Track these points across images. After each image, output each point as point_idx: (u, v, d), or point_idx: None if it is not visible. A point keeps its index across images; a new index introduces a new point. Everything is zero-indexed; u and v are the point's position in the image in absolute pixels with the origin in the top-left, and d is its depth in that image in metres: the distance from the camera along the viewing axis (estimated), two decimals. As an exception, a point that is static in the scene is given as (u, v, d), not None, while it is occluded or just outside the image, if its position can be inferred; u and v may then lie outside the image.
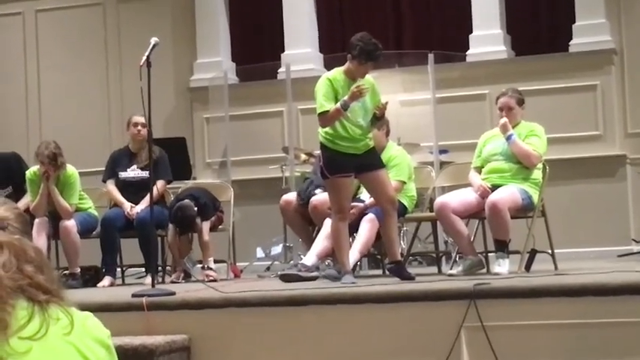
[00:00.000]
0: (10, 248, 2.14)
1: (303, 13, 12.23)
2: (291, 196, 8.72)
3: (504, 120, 7.53)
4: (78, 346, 2.13)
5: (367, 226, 7.70)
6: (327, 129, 7.06)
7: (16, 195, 8.92)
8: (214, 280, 8.17)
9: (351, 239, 7.70)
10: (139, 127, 8.97)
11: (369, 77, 7.24)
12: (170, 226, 8.61)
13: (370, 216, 7.69)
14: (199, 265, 8.73)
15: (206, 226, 8.64)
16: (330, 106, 6.96)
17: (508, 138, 7.46)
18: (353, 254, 7.57)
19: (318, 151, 7.75)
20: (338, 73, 7.16)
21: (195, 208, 8.53)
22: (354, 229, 7.82)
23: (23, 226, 2.23)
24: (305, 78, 10.86)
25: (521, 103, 7.69)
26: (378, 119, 7.24)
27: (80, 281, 8.57)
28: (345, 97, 6.92)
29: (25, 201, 8.83)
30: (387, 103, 7.19)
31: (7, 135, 12.51)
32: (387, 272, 7.60)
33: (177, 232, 8.61)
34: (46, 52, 13.08)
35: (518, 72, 11.13)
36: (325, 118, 7.00)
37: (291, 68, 10.96)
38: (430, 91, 10.65)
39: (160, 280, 8.49)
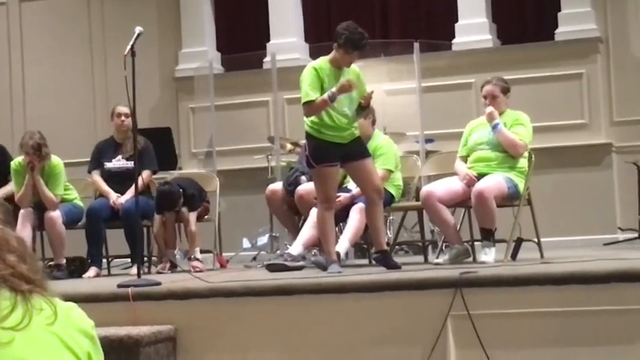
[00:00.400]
0: (-8, 238, 2.12)
1: (289, 2, 12.21)
2: (277, 186, 8.71)
3: (490, 109, 7.52)
4: (61, 336, 2.12)
5: (357, 216, 7.69)
6: (312, 118, 7.04)
7: (0, 185, 8.89)
8: (200, 271, 8.16)
9: (337, 229, 7.69)
10: (123, 118, 8.94)
11: (355, 66, 7.22)
12: (156, 216, 8.58)
13: (360, 205, 7.68)
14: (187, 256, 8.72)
15: (193, 216, 8.62)
16: (316, 96, 6.94)
17: (494, 127, 7.46)
18: (342, 243, 7.57)
19: (303, 141, 7.74)
20: (324, 62, 7.14)
21: (182, 199, 8.52)
22: (340, 218, 7.81)
23: (5, 216, 2.22)
24: (290, 67, 10.85)
25: (505, 91, 7.68)
26: (364, 109, 7.22)
27: (66, 272, 8.54)
28: (334, 89, 6.89)
29: (5, 190, 8.80)
30: (372, 92, 7.17)
31: (-8, 126, 12.48)
32: (373, 262, 7.60)
33: (163, 217, 8.57)
34: (30, 43, 13.03)
35: (504, 61, 11.14)
36: (310, 107, 6.98)
37: (277, 57, 10.94)
38: (416, 80, 10.64)
39: (146, 270, 8.46)
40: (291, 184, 8.36)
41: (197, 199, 8.74)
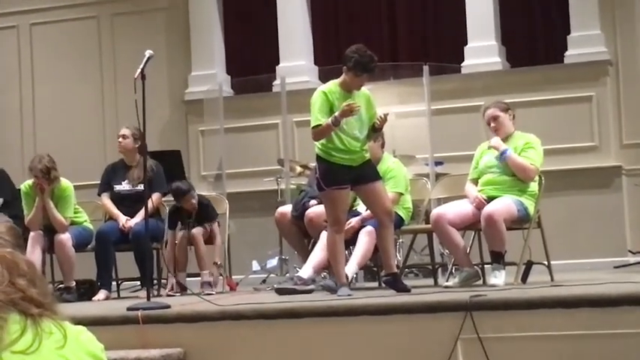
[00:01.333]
0: (2, 261, 2.12)
1: (298, 25, 12.24)
2: (287, 209, 8.70)
3: (495, 139, 7.50)
4: (71, 359, 2.12)
5: (365, 239, 7.68)
6: (323, 141, 7.04)
7: (8, 210, 8.90)
8: (211, 289, 8.20)
9: (347, 252, 7.68)
10: (120, 139, 8.98)
11: (365, 89, 7.23)
12: (167, 236, 8.59)
13: (368, 228, 7.67)
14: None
15: (215, 227, 8.80)
16: (324, 120, 6.95)
17: (502, 154, 7.44)
18: (351, 266, 7.55)
19: (313, 164, 7.73)
20: (333, 85, 7.15)
21: (194, 193, 8.80)
22: (350, 242, 7.80)
23: (15, 239, 2.21)
24: (300, 90, 10.86)
25: (505, 110, 7.67)
26: (376, 131, 7.23)
27: (75, 295, 8.54)
28: (336, 113, 6.90)
29: None
30: (387, 114, 7.18)
31: (1, 149, 12.50)
32: (383, 284, 7.59)
33: (175, 236, 8.59)
34: (40, 66, 13.08)
35: (513, 83, 11.15)
36: (317, 132, 6.99)
37: (286, 80, 10.95)
38: (425, 103, 10.64)
39: (156, 293, 8.46)
40: (298, 210, 8.34)
41: (213, 212, 8.80)
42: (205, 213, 8.81)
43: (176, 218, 8.76)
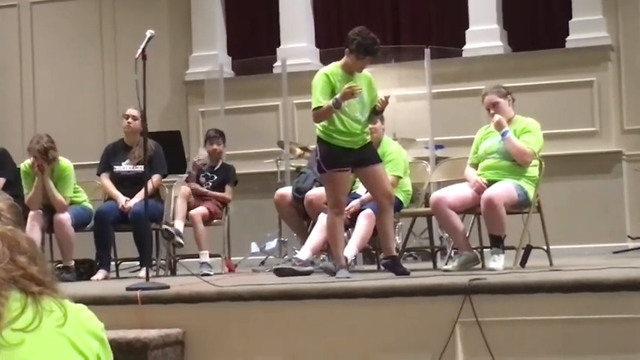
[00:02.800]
0: (3, 239, 2.12)
1: (300, 7, 12.22)
2: (286, 190, 8.70)
3: (498, 117, 7.49)
4: (71, 338, 2.12)
5: (365, 222, 7.68)
6: (324, 123, 7.03)
7: (9, 190, 8.89)
8: (210, 270, 8.30)
9: (346, 234, 7.69)
10: (130, 120, 8.96)
11: (366, 72, 7.22)
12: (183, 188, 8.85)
13: (368, 211, 7.68)
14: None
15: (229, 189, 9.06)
16: (325, 102, 6.94)
17: (503, 135, 7.43)
18: (350, 249, 7.56)
19: (313, 146, 7.73)
20: (335, 67, 7.13)
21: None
22: (349, 224, 7.81)
23: (16, 217, 2.21)
24: (301, 72, 10.85)
25: (504, 95, 7.64)
26: (377, 113, 7.23)
27: (74, 274, 8.55)
28: (337, 95, 6.89)
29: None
30: (388, 97, 7.18)
31: (2, 128, 12.49)
32: (382, 267, 7.60)
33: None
34: (41, 45, 13.06)
35: (515, 68, 11.14)
36: (318, 114, 6.98)
37: (287, 62, 10.93)
38: (426, 87, 10.63)
39: (154, 273, 8.46)
40: (303, 192, 8.33)
41: (234, 173, 9.26)
42: (225, 174, 9.09)
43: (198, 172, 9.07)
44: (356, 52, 7.02)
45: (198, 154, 9.20)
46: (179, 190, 9.02)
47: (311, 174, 8.47)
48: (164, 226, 8.57)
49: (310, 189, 8.29)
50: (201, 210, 8.75)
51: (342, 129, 7.00)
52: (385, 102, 7.09)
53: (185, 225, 8.73)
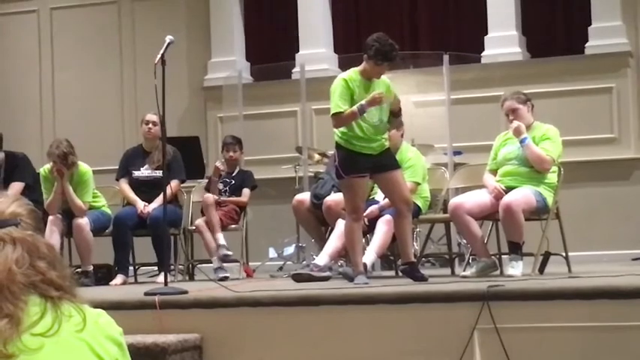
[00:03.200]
0: (23, 244, 2.13)
1: (319, 12, 12.22)
2: (304, 196, 8.70)
3: (516, 123, 7.47)
4: (90, 343, 2.13)
5: (384, 228, 7.68)
6: (342, 129, 7.04)
7: (29, 195, 8.92)
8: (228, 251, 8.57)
9: (364, 240, 7.69)
10: (151, 126, 8.98)
11: (385, 78, 7.22)
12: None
13: (387, 217, 7.67)
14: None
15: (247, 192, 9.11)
16: (345, 108, 6.95)
17: (522, 141, 7.41)
18: (369, 255, 7.56)
19: (331, 152, 7.73)
20: (354, 73, 7.14)
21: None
22: (368, 230, 7.80)
23: (36, 222, 2.22)
24: (319, 78, 10.85)
25: (524, 102, 7.62)
26: (396, 116, 7.22)
27: (93, 279, 8.58)
28: (363, 102, 6.90)
29: (17, 188, 8.80)
30: (399, 101, 7.21)
31: (21, 133, 12.52)
32: (400, 273, 7.59)
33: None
34: (60, 50, 13.11)
35: (533, 74, 11.11)
36: (339, 119, 6.99)
37: (306, 68, 10.94)
38: (445, 93, 10.61)
39: (173, 279, 8.48)
40: (321, 198, 8.33)
41: (250, 176, 9.34)
42: (242, 179, 9.17)
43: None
44: (374, 59, 7.02)
45: (219, 159, 9.23)
46: (200, 197, 9.08)
47: (329, 180, 8.47)
48: (223, 252, 8.65)
49: (328, 195, 8.28)
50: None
51: (361, 135, 7.01)
52: (397, 103, 7.10)
53: (194, 231, 8.88)
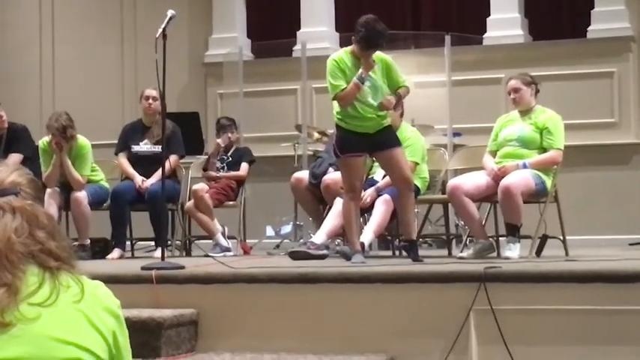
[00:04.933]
0: (23, 213, 2.12)
1: (321, -9, 12.19)
2: (303, 174, 8.70)
3: (506, 167, 7.32)
4: (87, 314, 2.12)
5: (382, 207, 7.68)
6: (338, 109, 7.04)
7: (28, 167, 8.90)
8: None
9: (361, 219, 7.69)
10: (151, 101, 8.96)
11: (383, 55, 7.16)
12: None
13: (385, 197, 7.68)
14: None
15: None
16: (342, 85, 6.93)
17: (524, 166, 7.35)
18: (367, 234, 7.56)
19: (331, 130, 7.71)
20: (344, 52, 7.13)
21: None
22: (365, 209, 7.80)
23: (35, 192, 2.21)
24: (320, 56, 10.77)
25: (529, 84, 7.61)
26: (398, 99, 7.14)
27: (89, 253, 8.58)
28: (360, 71, 6.89)
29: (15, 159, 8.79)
30: (408, 90, 7.19)
31: (20, 106, 12.48)
32: (397, 253, 7.60)
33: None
34: (61, 23, 13.07)
35: (535, 57, 11.10)
36: (342, 96, 6.95)
37: (307, 46, 10.92)
38: (446, 74, 10.60)
39: (169, 254, 8.49)
40: (318, 178, 8.34)
41: (246, 152, 9.43)
42: (239, 155, 9.26)
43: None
44: (359, 44, 7.00)
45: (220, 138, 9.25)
46: (198, 173, 9.11)
47: (327, 158, 8.48)
48: (220, 241, 8.78)
49: (325, 174, 8.29)
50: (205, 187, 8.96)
51: (355, 114, 6.99)
52: (389, 102, 7.02)
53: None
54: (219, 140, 9.13)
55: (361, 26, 7.01)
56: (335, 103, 7.08)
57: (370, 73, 6.96)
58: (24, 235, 2.10)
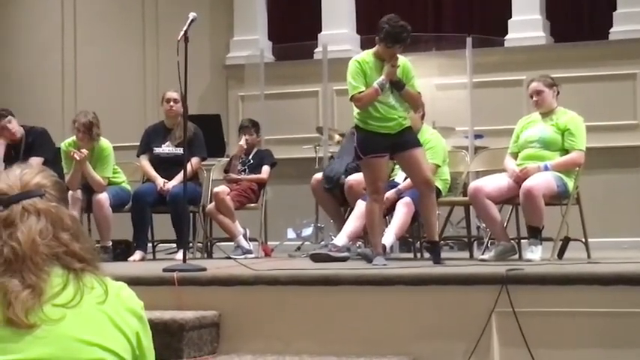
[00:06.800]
0: (47, 215, 2.14)
1: (342, -7, 12.20)
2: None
3: (528, 169, 7.31)
4: (111, 315, 2.13)
5: (403, 210, 7.68)
6: (358, 110, 7.03)
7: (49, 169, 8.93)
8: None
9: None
10: (172, 103, 8.99)
11: (403, 58, 7.15)
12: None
13: (406, 199, 7.67)
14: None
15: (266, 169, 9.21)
16: (362, 88, 6.93)
17: (545, 168, 7.33)
18: (388, 237, 7.55)
19: (343, 132, 7.68)
20: (367, 55, 7.13)
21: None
22: (386, 211, 7.79)
23: (60, 194, 2.22)
24: (341, 58, 10.79)
25: (551, 86, 7.60)
26: (400, 88, 7.07)
27: (111, 255, 8.59)
28: (382, 77, 6.89)
29: (36, 162, 8.82)
30: (419, 96, 7.18)
31: (43, 108, 12.57)
32: (421, 253, 7.58)
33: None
34: (83, 26, 13.13)
35: (557, 59, 11.07)
36: (361, 99, 6.95)
37: (328, 48, 10.93)
38: (467, 76, 10.58)
39: (191, 256, 8.50)
40: (330, 183, 8.38)
41: (269, 154, 9.44)
42: (261, 157, 9.28)
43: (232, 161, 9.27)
44: (384, 41, 6.99)
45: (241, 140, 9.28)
46: (220, 175, 9.14)
47: (339, 161, 8.50)
48: (241, 243, 8.85)
49: (339, 178, 8.30)
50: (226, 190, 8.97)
51: (377, 115, 6.98)
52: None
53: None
54: (241, 142, 9.16)
55: (384, 23, 7.02)
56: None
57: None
58: (48, 237, 2.11)
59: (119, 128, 11.08)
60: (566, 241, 7.34)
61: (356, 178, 8.02)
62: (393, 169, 8.03)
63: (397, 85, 7.02)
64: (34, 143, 9.13)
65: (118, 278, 2.26)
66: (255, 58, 11.79)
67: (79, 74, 13.11)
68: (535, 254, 7.09)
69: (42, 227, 2.11)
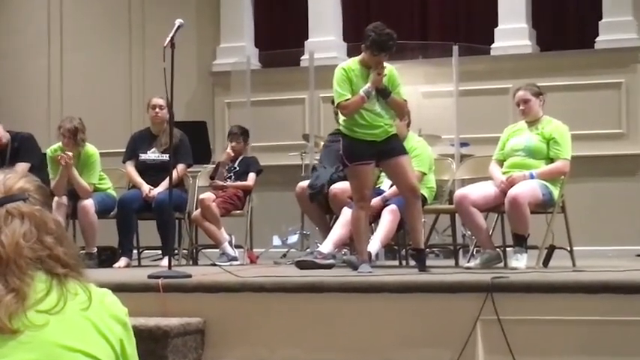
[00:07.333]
0: (31, 219, 2.13)
1: (328, 1, 12.20)
2: (307, 183, 8.70)
3: (513, 178, 7.32)
4: (95, 321, 2.12)
5: (389, 217, 7.68)
6: (344, 117, 7.03)
7: (35, 175, 8.90)
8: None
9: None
10: (157, 110, 8.98)
11: (389, 65, 7.16)
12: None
13: (392, 207, 7.67)
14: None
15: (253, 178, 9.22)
16: (348, 95, 6.93)
17: (531, 177, 7.35)
18: (374, 244, 7.55)
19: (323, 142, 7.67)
20: (353, 62, 7.13)
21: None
22: (372, 219, 7.79)
23: (44, 198, 2.21)
24: (328, 66, 10.76)
25: (537, 94, 7.63)
26: (386, 96, 7.07)
27: (96, 261, 8.57)
28: (368, 85, 6.89)
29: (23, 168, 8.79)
30: (405, 104, 7.19)
31: (28, 114, 12.53)
32: (406, 261, 7.58)
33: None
34: (69, 31, 13.11)
35: (543, 67, 11.10)
36: (347, 106, 6.95)
37: (315, 56, 10.93)
38: (453, 84, 10.60)
39: (176, 262, 8.49)
40: (315, 189, 8.39)
41: (255, 162, 9.44)
42: (247, 164, 9.27)
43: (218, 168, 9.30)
44: (370, 49, 6.99)
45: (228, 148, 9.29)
46: (206, 182, 9.13)
47: (323, 172, 8.49)
48: (227, 250, 8.86)
49: (322, 187, 8.30)
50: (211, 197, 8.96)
51: (363, 122, 6.98)
52: (404, 104, 7.05)
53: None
54: (228, 149, 9.17)
55: (370, 31, 7.02)
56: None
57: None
58: (32, 241, 2.10)
59: (105, 134, 11.06)
60: (552, 249, 7.35)
61: (340, 186, 8.02)
62: (379, 177, 8.03)
63: (383, 93, 7.02)
64: (19, 149, 9.09)
65: (103, 285, 2.24)
66: (242, 65, 11.78)
67: (64, 80, 13.08)
68: (520, 262, 7.10)
69: (26, 230, 2.10)
